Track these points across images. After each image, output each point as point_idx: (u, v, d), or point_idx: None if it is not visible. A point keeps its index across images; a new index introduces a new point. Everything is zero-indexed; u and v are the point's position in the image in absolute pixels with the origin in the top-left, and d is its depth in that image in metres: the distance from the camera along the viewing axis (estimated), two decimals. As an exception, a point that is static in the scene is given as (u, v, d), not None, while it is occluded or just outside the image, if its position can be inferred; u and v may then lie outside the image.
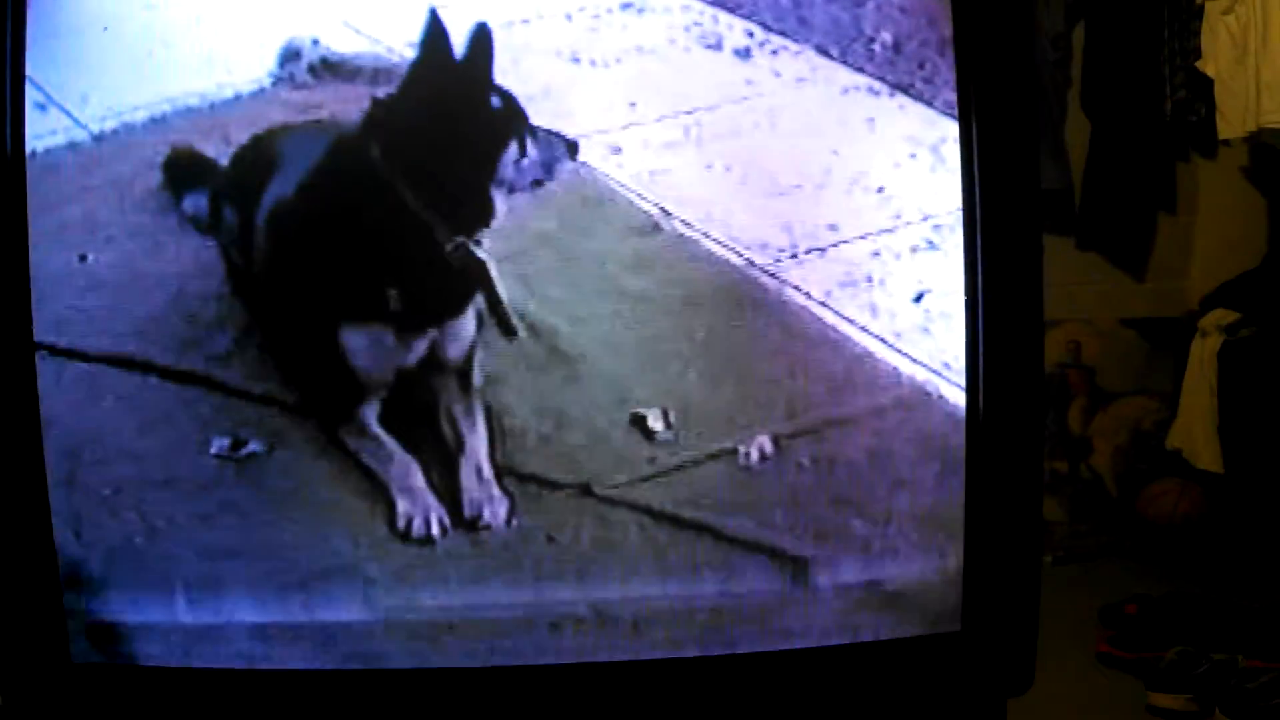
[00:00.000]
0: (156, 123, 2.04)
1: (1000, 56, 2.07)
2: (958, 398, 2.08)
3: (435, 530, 2.04)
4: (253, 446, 2.04)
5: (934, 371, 2.08)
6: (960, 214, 2.06)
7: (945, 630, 2.14)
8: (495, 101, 2.02)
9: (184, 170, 2.03)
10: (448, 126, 2.04)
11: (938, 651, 2.14)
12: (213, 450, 2.03)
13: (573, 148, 2.02)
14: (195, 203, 2.03)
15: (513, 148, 2.01)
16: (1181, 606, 3.66)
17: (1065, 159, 4.70)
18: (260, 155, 2.03)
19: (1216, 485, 4.32)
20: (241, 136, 2.02)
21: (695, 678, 2.12)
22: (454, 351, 2.04)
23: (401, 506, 2.03)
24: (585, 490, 2.06)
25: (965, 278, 2.08)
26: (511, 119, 2.01)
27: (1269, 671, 3.20)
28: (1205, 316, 4.41)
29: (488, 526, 2.05)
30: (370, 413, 2.05)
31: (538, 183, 2.03)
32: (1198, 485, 4.40)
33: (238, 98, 2.03)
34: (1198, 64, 4.34)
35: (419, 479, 2.04)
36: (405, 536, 2.03)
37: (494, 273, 2.02)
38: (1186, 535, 4.35)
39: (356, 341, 2.02)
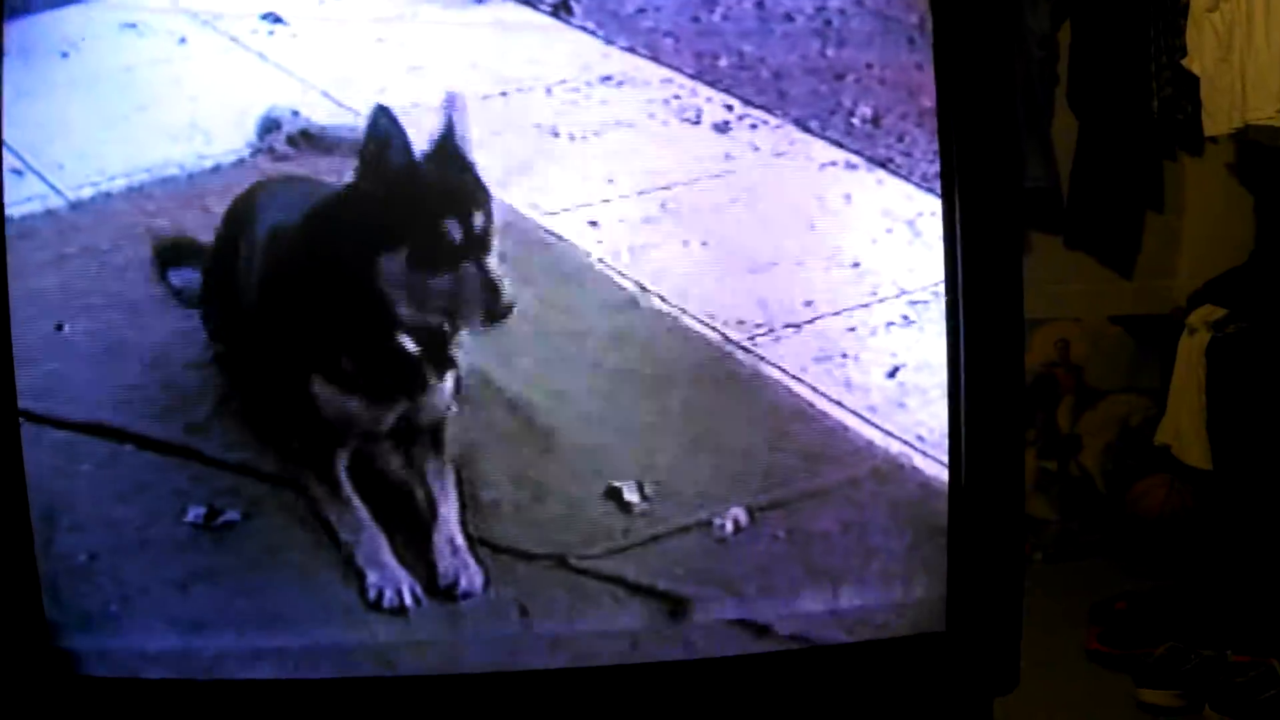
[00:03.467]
0: (135, 192, 2.02)
1: (984, 132, 2.06)
2: (932, 469, 2.09)
3: (408, 600, 2.04)
4: (229, 515, 2.03)
5: (908, 444, 2.08)
6: (936, 290, 2.04)
7: (930, 631, 2.15)
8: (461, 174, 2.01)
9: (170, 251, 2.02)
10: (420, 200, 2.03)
11: (922, 652, 2.16)
12: (188, 519, 2.03)
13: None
14: (182, 277, 2.03)
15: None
16: (1170, 602, 3.70)
17: (1052, 157, 4.69)
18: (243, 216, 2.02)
19: (1205, 481, 4.36)
20: (220, 208, 2.00)
21: (677, 682, 2.13)
22: (428, 417, 2.04)
23: (371, 578, 2.04)
24: (560, 562, 2.05)
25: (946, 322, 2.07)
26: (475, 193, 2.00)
27: (1257, 666, 3.24)
28: (1193, 313, 4.42)
29: (465, 595, 2.05)
30: (343, 477, 2.04)
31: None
32: (1186, 482, 4.43)
33: (217, 168, 2.02)
34: (1184, 62, 4.34)
35: (385, 550, 2.04)
36: (376, 607, 2.03)
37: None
38: (1175, 531, 4.38)
39: (330, 402, 2.02)
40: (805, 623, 2.12)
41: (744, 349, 2.06)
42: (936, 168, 2.07)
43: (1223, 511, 4.32)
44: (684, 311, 2.05)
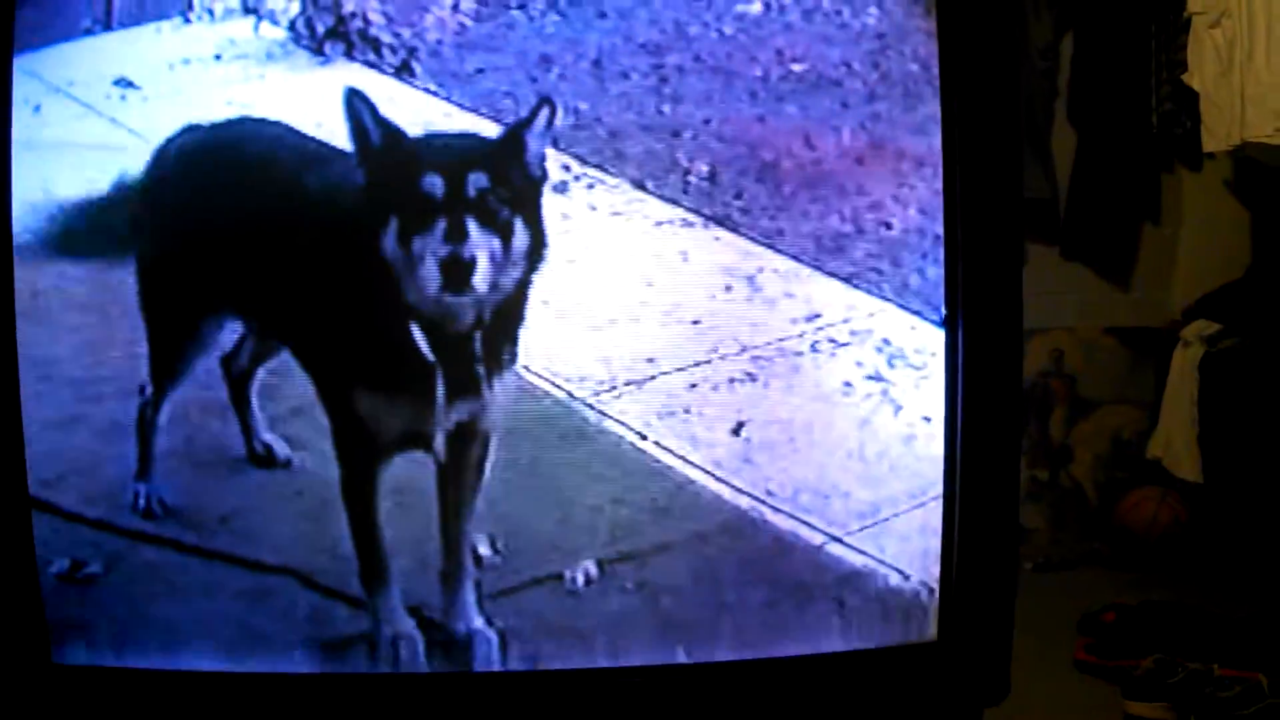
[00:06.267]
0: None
1: (988, 153, 2.10)
2: (786, 524, 2.08)
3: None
4: (91, 568, 2.07)
5: (757, 499, 2.08)
6: (781, 346, 2.05)
7: (922, 641, 2.17)
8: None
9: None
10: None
11: (914, 662, 2.17)
12: (53, 571, 2.07)
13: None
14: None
15: None
16: (1159, 615, 3.67)
17: (1051, 168, 4.66)
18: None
19: (1196, 495, 4.32)
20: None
21: (664, 688, 2.16)
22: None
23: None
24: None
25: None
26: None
27: (1243, 681, 3.21)
28: (1187, 327, 4.38)
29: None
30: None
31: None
32: (1177, 494, 4.39)
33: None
34: (1184, 77, 4.30)
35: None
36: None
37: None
38: (1165, 544, 4.35)
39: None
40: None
41: (588, 405, 2.07)
42: (777, 224, 2.06)
43: (1212, 525, 4.29)
44: (528, 369, 2.06)
